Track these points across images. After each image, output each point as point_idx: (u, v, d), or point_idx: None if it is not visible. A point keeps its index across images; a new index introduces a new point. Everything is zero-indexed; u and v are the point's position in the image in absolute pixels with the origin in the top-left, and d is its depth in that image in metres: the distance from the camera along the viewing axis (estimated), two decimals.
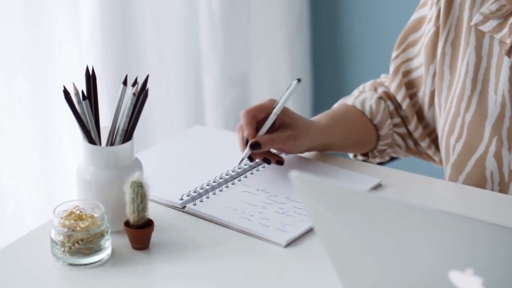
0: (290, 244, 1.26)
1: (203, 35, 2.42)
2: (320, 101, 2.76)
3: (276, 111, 1.40)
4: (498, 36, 1.43)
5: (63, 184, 2.18)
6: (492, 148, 1.45)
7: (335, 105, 1.60)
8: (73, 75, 2.13)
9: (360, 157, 1.59)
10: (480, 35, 1.46)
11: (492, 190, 1.46)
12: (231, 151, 1.50)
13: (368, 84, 1.63)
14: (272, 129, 1.41)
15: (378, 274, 1.05)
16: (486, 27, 1.44)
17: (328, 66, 2.73)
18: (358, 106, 1.56)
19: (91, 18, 2.14)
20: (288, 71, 2.64)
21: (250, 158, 1.40)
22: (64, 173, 2.18)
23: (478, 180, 1.47)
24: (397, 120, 1.57)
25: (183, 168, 1.45)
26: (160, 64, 2.34)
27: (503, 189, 1.46)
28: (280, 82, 2.65)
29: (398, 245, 0.99)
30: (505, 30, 1.42)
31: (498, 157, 1.45)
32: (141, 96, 1.26)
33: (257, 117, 1.39)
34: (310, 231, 1.29)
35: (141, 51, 2.28)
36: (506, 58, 1.43)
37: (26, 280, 1.21)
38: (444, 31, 1.50)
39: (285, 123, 1.41)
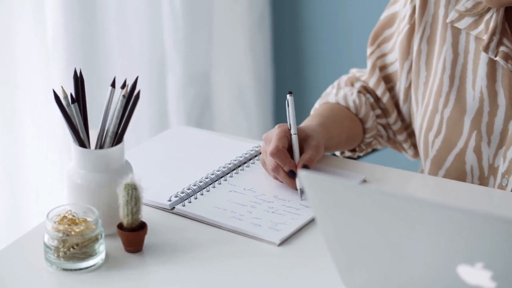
0: (283, 242, 1.27)
1: (166, 34, 2.41)
2: (282, 99, 2.77)
3: (295, 131, 1.40)
4: (474, 33, 1.46)
5: (30, 189, 2.15)
6: (472, 142, 1.48)
7: (317, 106, 1.61)
8: (39, 76, 2.11)
9: (347, 153, 1.61)
10: (456, 32, 1.48)
11: (472, 184, 1.48)
12: (213, 151, 1.51)
13: (343, 80, 1.64)
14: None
15: (383, 270, 1.06)
16: (462, 24, 1.47)
17: (290, 64, 2.74)
18: (341, 102, 1.57)
19: (56, 19, 2.12)
20: (250, 69, 2.65)
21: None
22: (30, 176, 2.15)
23: (458, 175, 1.50)
24: (378, 111, 1.60)
25: (166, 169, 1.45)
26: (124, 64, 2.33)
27: (483, 183, 1.49)
28: (242, 80, 2.66)
29: (405, 241, 1.01)
30: (481, 27, 1.45)
31: (477, 151, 1.48)
32: (132, 98, 1.25)
33: (286, 148, 1.39)
34: (302, 229, 1.30)
35: (107, 52, 2.26)
36: (483, 54, 1.46)
37: (19, 287, 1.19)
38: (420, 28, 1.52)
39: (301, 138, 1.41)
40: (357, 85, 1.61)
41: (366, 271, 1.08)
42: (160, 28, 2.40)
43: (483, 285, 0.99)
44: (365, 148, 1.62)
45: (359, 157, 1.65)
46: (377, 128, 1.61)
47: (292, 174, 1.37)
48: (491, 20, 1.43)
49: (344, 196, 0.98)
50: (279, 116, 2.79)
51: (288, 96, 1.42)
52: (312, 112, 1.61)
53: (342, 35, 2.62)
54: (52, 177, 2.15)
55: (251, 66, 2.66)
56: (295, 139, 1.40)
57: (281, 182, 1.40)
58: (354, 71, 1.67)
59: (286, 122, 1.42)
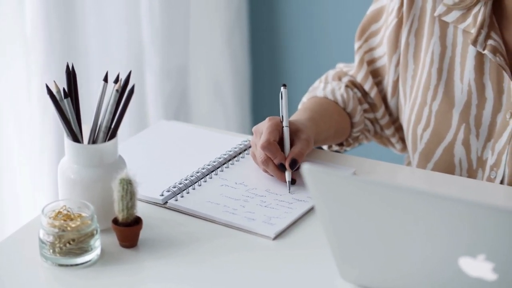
0: (278, 236, 1.27)
1: (144, 28, 2.40)
2: (259, 93, 2.77)
3: (287, 124, 1.40)
4: (462, 26, 1.47)
5: (11, 185, 2.13)
6: (460, 135, 1.49)
7: (305, 100, 1.61)
8: (17, 71, 2.09)
9: (335, 147, 1.62)
10: (444, 25, 1.49)
11: (461, 177, 1.49)
12: (202, 145, 1.50)
13: (330, 75, 1.65)
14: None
15: (383, 262, 1.07)
16: (449, 18, 1.48)
17: (267, 58, 2.74)
18: (329, 96, 1.58)
19: (34, 14, 2.10)
20: (227, 63, 2.65)
21: (293, 180, 1.38)
22: (11, 173, 2.13)
23: (447, 168, 1.51)
24: (365, 106, 1.60)
25: (156, 164, 1.45)
26: (102, 58, 2.32)
27: (471, 176, 1.50)
28: (220, 73, 2.65)
29: (406, 234, 1.01)
30: (469, 20, 1.46)
31: (466, 144, 1.49)
32: (125, 92, 1.24)
33: (277, 141, 1.39)
34: (295, 222, 1.30)
35: (85, 46, 2.25)
36: (470, 47, 1.47)
37: (15, 282, 1.18)
38: (408, 21, 1.53)
39: (291, 132, 1.41)
40: (345, 79, 1.62)
41: (365, 264, 1.09)
42: (138, 22, 2.39)
43: (484, 277, 1.00)
44: (352, 143, 1.62)
45: (345, 151, 1.66)
46: (364, 122, 1.61)
47: (282, 167, 1.38)
48: (479, 13, 1.44)
49: (346, 189, 0.98)
50: (256, 109, 2.79)
51: (282, 88, 1.42)
52: (300, 106, 1.62)
53: (320, 29, 2.62)
54: (35, 172, 2.13)
55: (229, 59, 2.65)
56: (286, 132, 1.40)
57: (271, 175, 1.40)
58: (341, 66, 1.67)
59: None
